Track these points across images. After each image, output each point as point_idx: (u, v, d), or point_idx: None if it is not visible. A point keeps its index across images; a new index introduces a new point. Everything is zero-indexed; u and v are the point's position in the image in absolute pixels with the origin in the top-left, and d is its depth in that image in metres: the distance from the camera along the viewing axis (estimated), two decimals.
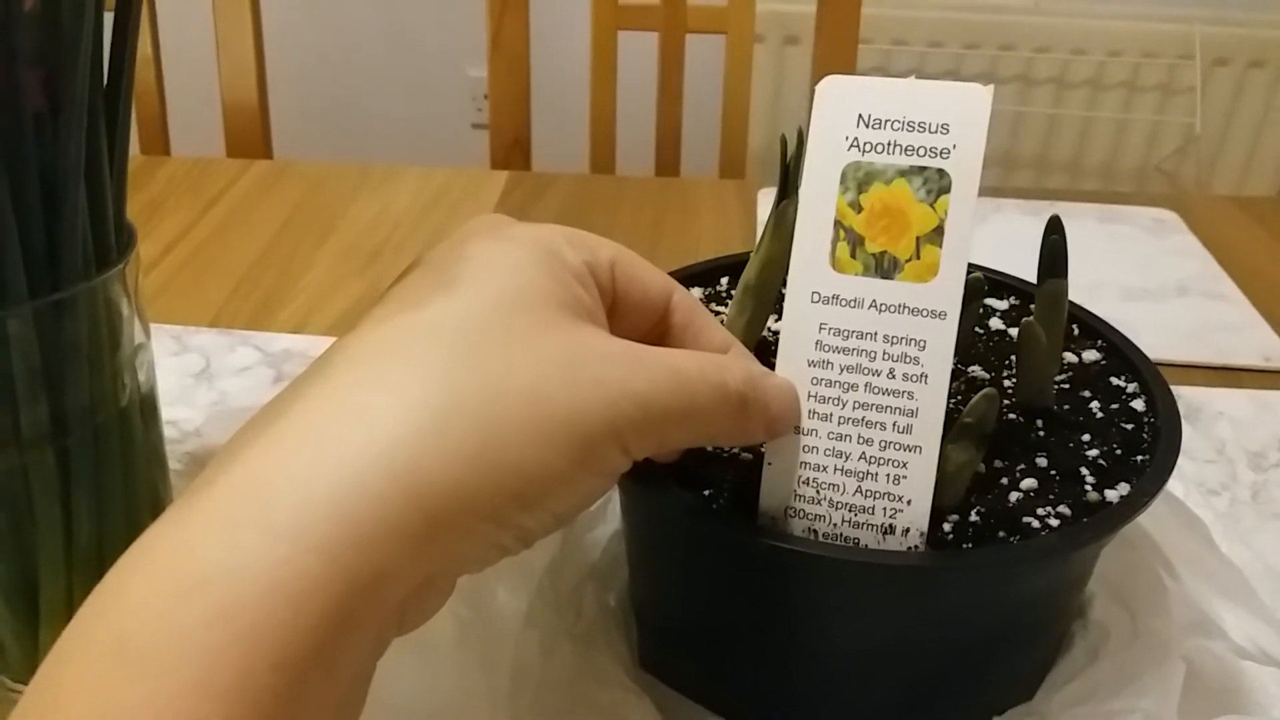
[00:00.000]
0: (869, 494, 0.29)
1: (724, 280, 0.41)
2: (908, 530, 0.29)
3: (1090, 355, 0.38)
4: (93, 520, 0.34)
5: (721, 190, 0.78)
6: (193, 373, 0.55)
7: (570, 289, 0.27)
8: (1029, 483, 0.31)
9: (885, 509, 0.29)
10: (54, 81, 0.29)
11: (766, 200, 0.75)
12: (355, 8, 1.65)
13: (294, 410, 0.23)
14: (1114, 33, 1.47)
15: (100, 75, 0.31)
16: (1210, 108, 1.49)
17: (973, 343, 0.38)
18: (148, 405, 0.36)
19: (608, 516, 0.40)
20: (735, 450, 0.33)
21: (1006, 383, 0.36)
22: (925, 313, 0.28)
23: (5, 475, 0.32)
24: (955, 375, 0.36)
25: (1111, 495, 0.31)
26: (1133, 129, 1.52)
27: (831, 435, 0.29)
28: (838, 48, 0.94)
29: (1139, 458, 0.33)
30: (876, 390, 0.29)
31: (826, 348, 0.29)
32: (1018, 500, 0.31)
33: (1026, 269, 0.39)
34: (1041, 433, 0.34)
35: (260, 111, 0.92)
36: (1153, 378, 0.36)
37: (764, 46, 1.48)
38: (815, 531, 0.29)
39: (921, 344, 0.28)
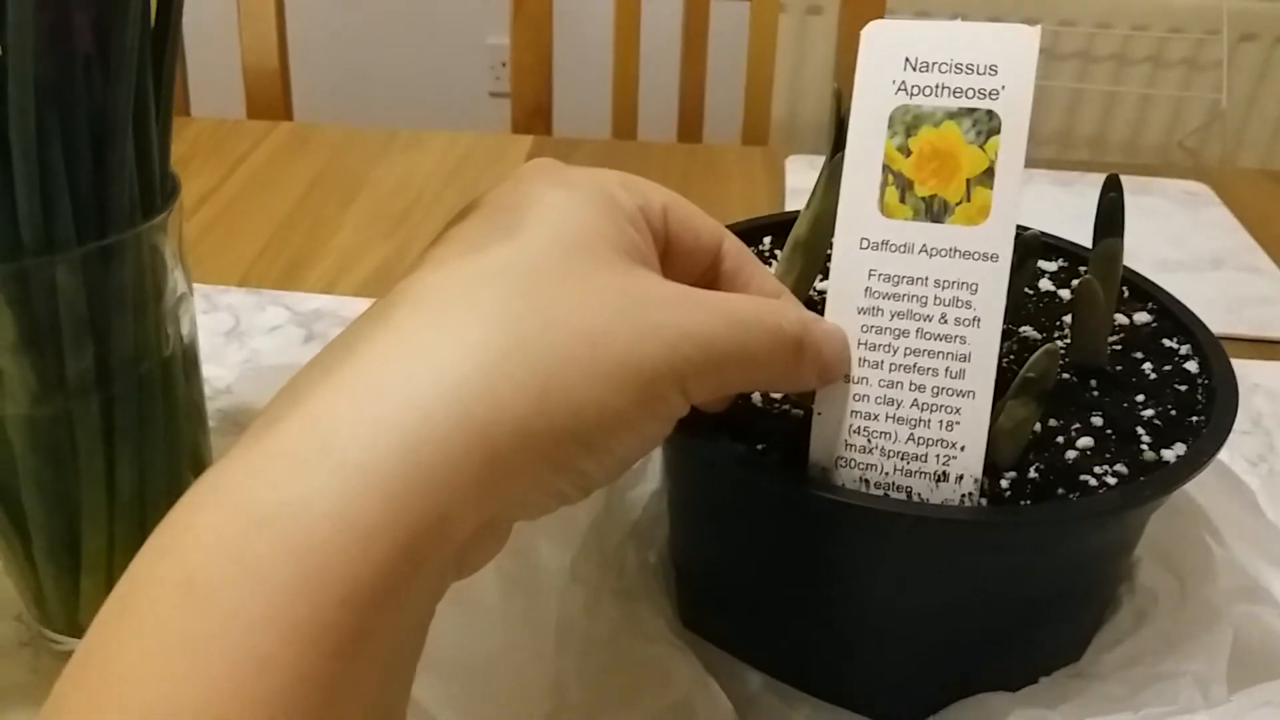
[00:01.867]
0: (921, 441, 0.28)
1: (767, 240, 0.41)
2: (961, 477, 0.28)
3: (1141, 317, 0.37)
4: (135, 472, 0.34)
5: (748, 157, 0.78)
6: (223, 331, 0.55)
7: (625, 233, 0.26)
8: (1085, 441, 0.31)
9: (939, 455, 0.28)
10: (103, 24, 0.29)
11: (794, 167, 0.75)
12: None
13: (359, 351, 0.23)
14: (1140, 7, 1.45)
15: (148, 20, 0.31)
16: (1237, 83, 1.47)
17: (1023, 303, 0.38)
18: (189, 357, 0.36)
19: (647, 475, 0.39)
20: (784, 405, 0.32)
21: (1059, 343, 0.36)
22: (977, 255, 0.28)
23: (50, 424, 0.32)
24: (1007, 335, 0.36)
25: (1168, 455, 0.31)
26: (1158, 104, 1.50)
27: (883, 383, 0.29)
28: (863, 17, 0.93)
29: (1193, 418, 0.32)
30: (928, 336, 0.28)
31: (876, 294, 0.29)
32: (1075, 459, 0.31)
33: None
34: (1096, 392, 0.33)
35: (281, 76, 0.92)
36: (1206, 340, 0.35)
37: (786, 15, 1.47)
38: (867, 481, 0.29)
39: (974, 287, 0.28)
